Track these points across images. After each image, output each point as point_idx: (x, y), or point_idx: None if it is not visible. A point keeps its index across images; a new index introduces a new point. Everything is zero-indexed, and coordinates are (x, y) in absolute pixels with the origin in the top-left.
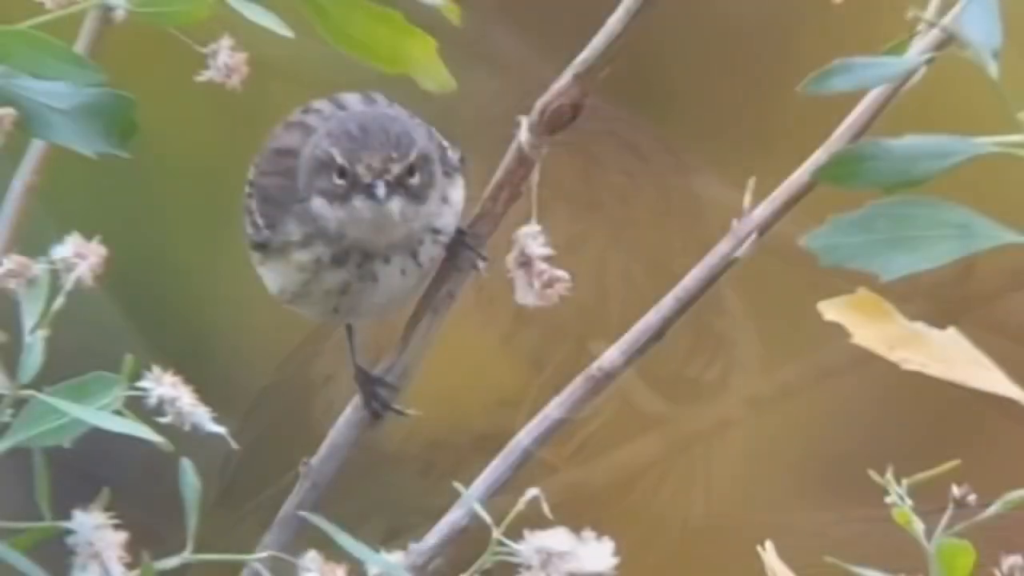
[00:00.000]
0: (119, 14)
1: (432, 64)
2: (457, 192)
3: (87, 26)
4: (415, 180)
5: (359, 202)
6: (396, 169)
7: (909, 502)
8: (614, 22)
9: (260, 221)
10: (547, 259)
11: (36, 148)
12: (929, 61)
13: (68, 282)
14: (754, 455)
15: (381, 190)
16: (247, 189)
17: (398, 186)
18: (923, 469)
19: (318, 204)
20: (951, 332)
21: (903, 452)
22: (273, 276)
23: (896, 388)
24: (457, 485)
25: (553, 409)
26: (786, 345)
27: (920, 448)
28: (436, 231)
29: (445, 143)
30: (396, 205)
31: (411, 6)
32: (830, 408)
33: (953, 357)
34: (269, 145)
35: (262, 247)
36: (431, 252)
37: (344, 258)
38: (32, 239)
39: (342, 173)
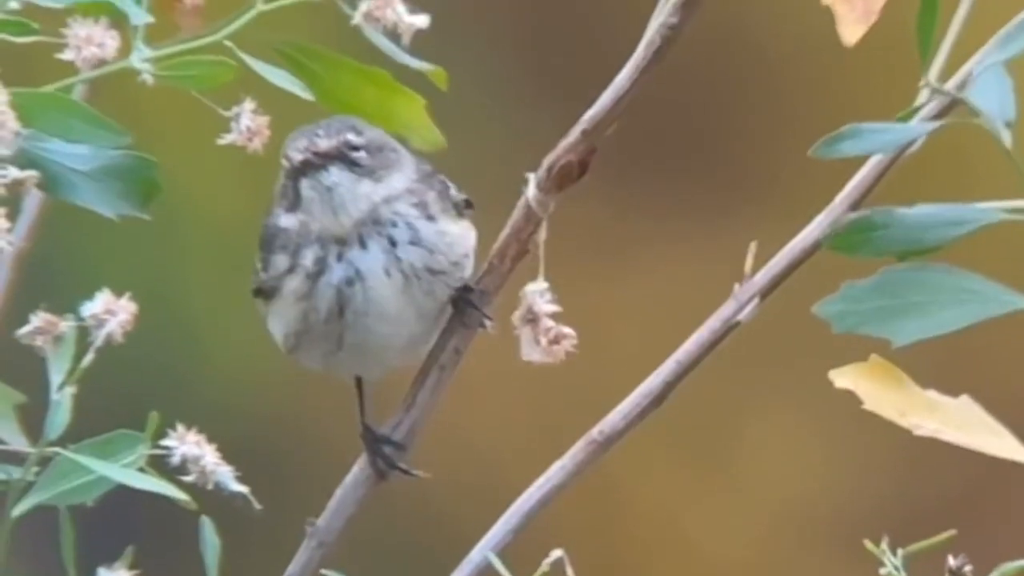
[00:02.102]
0: (145, 78)
1: (421, 123)
2: (456, 227)
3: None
4: (360, 155)
5: (303, 189)
6: (324, 144)
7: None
8: (622, 79)
9: (258, 266)
10: (554, 316)
11: (28, 214)
12: (938, 129)
13: (98, 339)
14: None
15: (305, 158)
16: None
17: (333, 159)
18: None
19: (283, 219)
20: (964, 399)
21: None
22: (276, 322)
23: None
24: None
25: (555, 472)
26: None
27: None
28: (432, 271)
29: (449, 183)
30: (333, 174)
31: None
32: None
33: (966, 423)
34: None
35: (261, 292)
36: (413, 257)
37: (324, 259)
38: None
39: (288, 175)
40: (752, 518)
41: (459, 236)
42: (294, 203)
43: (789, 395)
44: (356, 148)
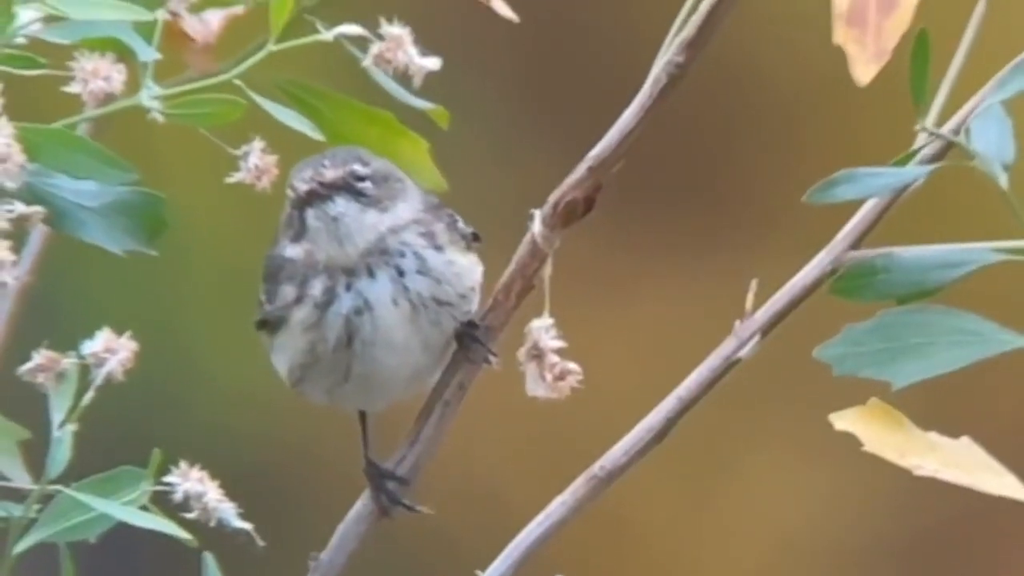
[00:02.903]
0: (154, 115)
1: (423, 164)
2: (464, 259)
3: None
4: (366, 185)
5: (308, 219)
6: (330, 174)
7: None
8: (628, 116)
9: (262, 298)
10: (559, 352)
11: (32, 249)
12: (934, 171)
13: (99, 377)
14: None
15: (311, 188)
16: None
17: (339, 189)
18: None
19: (289, 250)
20: (965, 440)
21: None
22: (281, 355)
23: None
24: None
25: (556, 508)
26: None
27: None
28: (439, 301)
29: (457, 216)
30: (339, 204)
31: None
32: None
33: (965, 463)
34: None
35: (266, 324)
36: (421, 287)
37: (332, 289)
38: (54, 327)
39: (292, 204)
40: (752, 551)
41: (467, 268)
42: (299, 233)
43: (788, 429)
44: (362, 178)
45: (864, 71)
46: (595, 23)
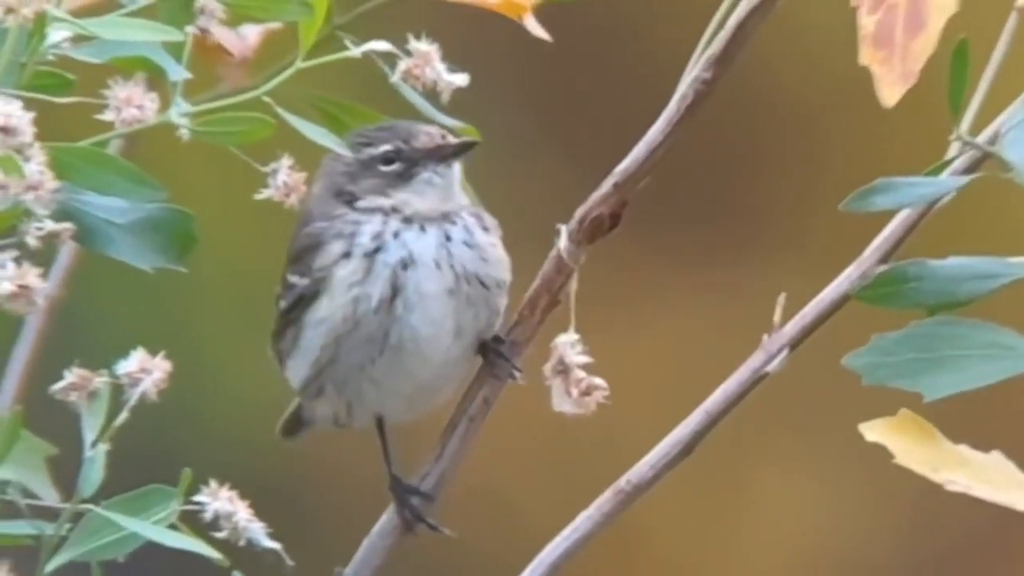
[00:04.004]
0: (183, 133)
1: None
2: (502, 249)
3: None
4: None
5: (427, 172)
6: (452, 139)
7: None
8: (655, 132)
9: (292, 279)
10: (585, 367)
11: (62, 263)
12: (969, 183)
13: (133, 398)
14: None
15: (443, 144)
16: (278, 290)
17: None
18: None
19: (367, 201)
20: (996, 455)
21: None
22: (310, 336)
23: None
24: None
25: (581, 522)
26: None
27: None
28: (480, 280)
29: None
30: (455, 168)
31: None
32: None
33: (996, 479)
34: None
35: (296, 305)
36: (465, 258)
37: (381, 235)
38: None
39: (390, 160)
40: (766, 567)
41: (505, 258)
42: (394, 186)
43: (802, 446)
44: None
45: (890, 92)
46: (618, 38)
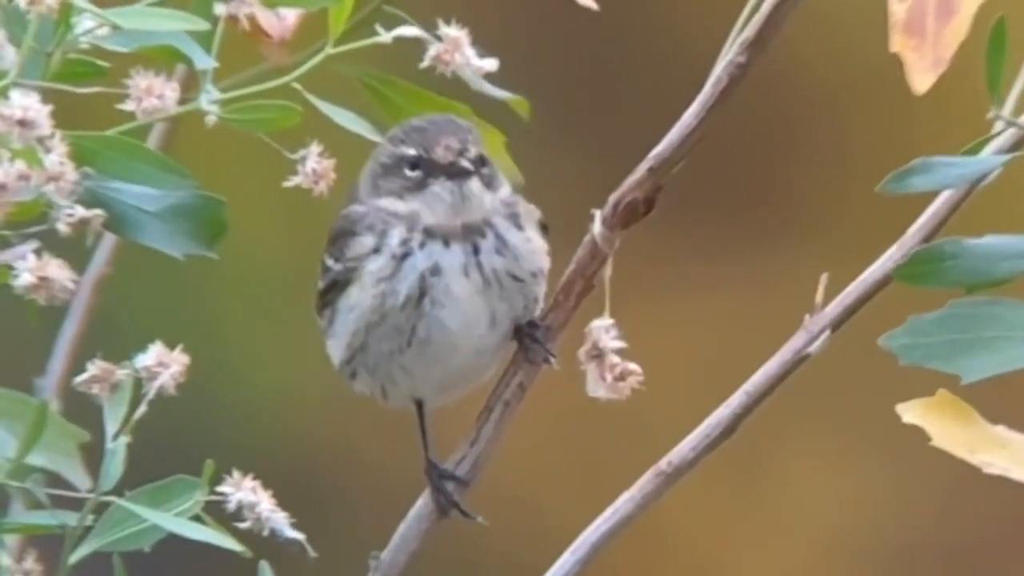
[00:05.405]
0: (211, 119)
1: (500, 156)
2: (539, 240)
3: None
4: (487, 170)
5: (438, 186)
6: (473, 151)
7: None
8: (689, 116)
9: (328, 262)
10: (619, 352)
11: (108, 240)
12: (1012, 160)
13: (151, 391)
14: None
15: (467, 164)
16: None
17: (476, 171)
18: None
19: (386, 202)
20: None
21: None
22: (344, 320)
23: None
24: None
25: (623, 504)
26: None
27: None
28: (514, 276)
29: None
30: (474, 186)
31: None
32: None
33: None
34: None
35: (331, 288)
36: (497, 263)
37: (408, 242)
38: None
39: (415, 165)
40: (792, 554)
41: (541, 248)
42: (411, 192)
43: (830, 430)
44: (485, 162)
45: (922, 79)
46: (653, 22)
